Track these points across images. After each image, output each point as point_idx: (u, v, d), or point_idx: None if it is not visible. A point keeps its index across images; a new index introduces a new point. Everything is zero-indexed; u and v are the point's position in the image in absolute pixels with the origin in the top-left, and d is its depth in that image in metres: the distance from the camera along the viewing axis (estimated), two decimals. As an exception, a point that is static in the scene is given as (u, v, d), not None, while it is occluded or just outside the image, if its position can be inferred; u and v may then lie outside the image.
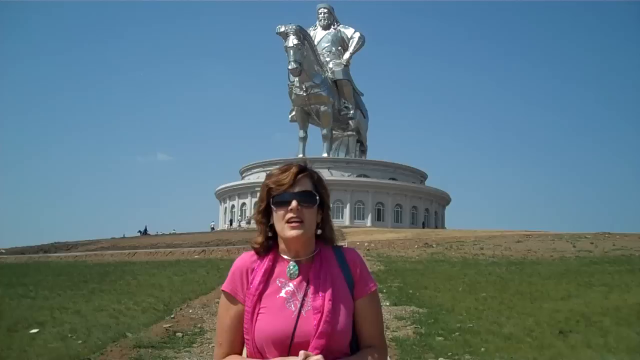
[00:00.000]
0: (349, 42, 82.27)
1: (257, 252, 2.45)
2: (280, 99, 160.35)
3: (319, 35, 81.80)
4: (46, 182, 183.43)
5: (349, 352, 2.35)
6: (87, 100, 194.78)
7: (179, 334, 11.35)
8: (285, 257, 2.41)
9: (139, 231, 77.27)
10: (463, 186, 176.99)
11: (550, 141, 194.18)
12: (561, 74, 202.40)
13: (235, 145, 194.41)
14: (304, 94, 74.50)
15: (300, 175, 2.40)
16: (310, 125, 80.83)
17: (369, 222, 74.71)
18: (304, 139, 79.99)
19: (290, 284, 2.35)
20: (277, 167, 2.51)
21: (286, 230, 2.32)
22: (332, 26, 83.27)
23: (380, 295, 16.98)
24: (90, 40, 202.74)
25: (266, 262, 2.39)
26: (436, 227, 77.21)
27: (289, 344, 2.24)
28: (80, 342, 10.70)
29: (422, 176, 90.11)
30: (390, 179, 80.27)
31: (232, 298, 2.39)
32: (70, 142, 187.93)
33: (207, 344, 10.55)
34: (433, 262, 27.80)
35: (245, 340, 2.35)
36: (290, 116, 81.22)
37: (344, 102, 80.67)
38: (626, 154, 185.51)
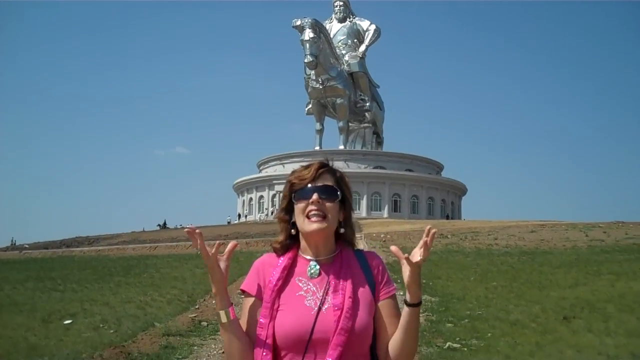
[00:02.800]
0: (364, 34, 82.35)
1: (277, 251, 2.45)
2: (297, 91, 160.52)
3: (334, 28, 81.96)
4: (66, 177, 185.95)
5: (370, 357, 2.34)
6: (106, 94, 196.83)
7: (204, 323, 12.07)
8: (306, 256, 2.41)
9: (158, 225, 78.36)
10: (479, 177, 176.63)
11: (566, 131, 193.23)
12: (577, 68, 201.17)
13: (253, 138, 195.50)
14: (321, 87, 74.78)
15: (321, 170, 2.42)
16: (326, 117, 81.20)
17: (385, 213, 75.03)
18: (320, 132, 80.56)
19: (310, 283, 2.35)
20: (301, 164, 2.53)
21: (306, 224, 2.33)
22: (347, 19, 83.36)
23: (395, 285, 17.65)
24: (109, 34, 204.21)
25: (285, 260, 2.39)
26: (452, 218, 77.42)
27: (308, 340, 2.24)
28: (112, 331, 11.48)
29: (439, 167, 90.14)
30: (406, 170, 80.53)
31: (248, 295, 2.38)
32: (89, 136, 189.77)
33: (230, 332, 11.24)
34: (447, 253, 28.28)
35: (257, 337, 2.29)
36: (306, 109, 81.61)
37: (360, 95, 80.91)
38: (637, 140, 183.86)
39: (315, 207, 2.32)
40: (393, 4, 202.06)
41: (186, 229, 2.26)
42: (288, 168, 79.17)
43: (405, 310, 2.32)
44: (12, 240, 66.28)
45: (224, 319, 2.29)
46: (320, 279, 2.36)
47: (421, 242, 2.28)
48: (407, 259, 2.25)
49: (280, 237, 2.44)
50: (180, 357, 9.17)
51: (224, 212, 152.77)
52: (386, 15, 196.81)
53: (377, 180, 76.66)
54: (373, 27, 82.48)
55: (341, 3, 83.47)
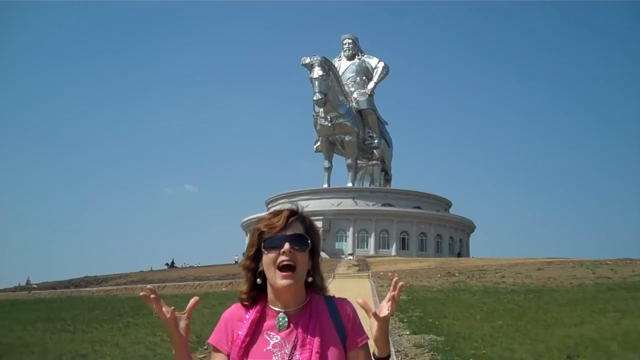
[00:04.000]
0: (373, 71, 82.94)
1: (243, 302, 2.44)
2: (306, 129, 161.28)
3: (343, 65, 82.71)
4: (74, 216, 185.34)
5: None
6: (114, 131, 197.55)
7: (212, 364, 12.25)
8: (274, 308, 2.38)
9: (166, 264, 78.42)
10: (488, 214, 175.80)
11: (573, 169, 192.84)
12: (580, 102, 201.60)
13: (261, 175, 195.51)
14: (329, 125, 75.39)
15: (292, 219, 2.40)
16: (335, 154, 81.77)
17: (393, 251, 74.79)
18: (329, 169, 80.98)
19: (279, 337, 2.32)
20: (269, 212, 2.50)
21: (278, 278, 2.30)
22: (356, 56, 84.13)
23: (400, 324, 17.75)
24: (119, 71, 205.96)
25: (253, 314, 2.36)
26: (460, 256, 77.28)
27: None
28: (122, 372, 11.68)
29: (447, 204, 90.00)
30: (414, 207, 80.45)
31: (216, 350, 2.37)
32: (97, 174, 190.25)
33: (237, 372, 11.46)
34: (454, 291, 28.32)
35: None
36: (315, 147, 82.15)
37: (369, 132, 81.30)
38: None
39: (287, 257, 2.29)
40: (401, 40, 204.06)
41: (141, 293, 2.28)
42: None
43: None
44: (27, 281, 66.66)
45: None
46: (288, 331, 2.33)
47: (388, 296, 2.35)
48: (375, 314, 2.33)
49: (244, 287, 2.44)
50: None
51: (232, 251, 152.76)
52: (395, 53, 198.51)
53: (385, 217, 76.56)
54: (382, 64, 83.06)
55: (350, 41, 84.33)
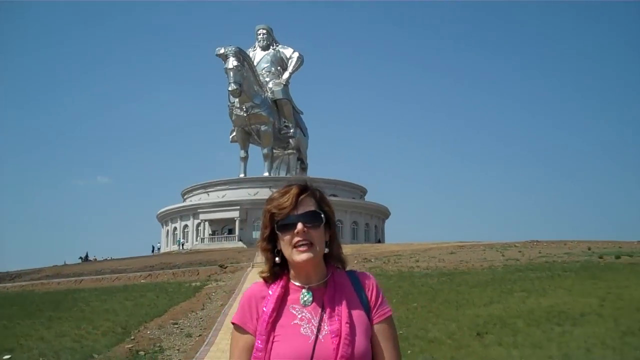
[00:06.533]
0: (287, 62, 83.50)
1: (266, 280, 2.42)
2: (221, 119, 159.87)
3: (258, 55, 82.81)
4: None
5: None
6: (23, 121, 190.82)
7: (142, 353, 12.62)
8: (297, 283, 2.37)
9: (80, 257, 77.00)
10: (402, 200, 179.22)
11: (483, 152, 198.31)
12: (483, 83, 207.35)
13: (177, 166, 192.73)
14: (245, 115, 75.51)
15: (302, 196, 2.36)
16: (251, 144, 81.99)
17: (309, 239, 75.13)
18: (245, 159, 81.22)
19: (305, 311, 2.31)
20: (277, 190, 2.45)
21: (295, 255, 2.28)
22: (271, 47, 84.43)
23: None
24: (29, 58, 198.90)
25: (278, 290, 2.35)
26: (380, 242, 78.67)
27: None
28: (52, 364, 11.87)
29: (362, 191, 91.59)
30: (330, 195, 79.49)
31: (241, 329, 2.35)
32: (6, 165, 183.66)
33: (167, 360, 11.88)
34: (371, 276, 28.92)
35: None
36: (231, 137, 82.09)
37: (284, 121, 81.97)
38: (557, 162, 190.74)
39: (302, 237, 2.27)
40: (316, 32, 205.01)
41: None
42: (213, 196, 79.39)
43: None
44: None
45: None
46: (314, 305, 2.32)
47: None
48: None
49: (266, 267, 2.42)
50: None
51: (148, 243, 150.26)
52: (309, 43, 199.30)
53: (302, 206, 76.62)
54: (296, 54, 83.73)
55: (264, 31, 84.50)
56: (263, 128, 77.03)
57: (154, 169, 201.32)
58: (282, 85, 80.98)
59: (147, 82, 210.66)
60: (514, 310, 15.85)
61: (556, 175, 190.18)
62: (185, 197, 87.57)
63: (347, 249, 48.72)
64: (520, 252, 36.19)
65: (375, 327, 2.34)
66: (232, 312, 19.25)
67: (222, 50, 70.80)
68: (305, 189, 2.40)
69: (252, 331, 2.32)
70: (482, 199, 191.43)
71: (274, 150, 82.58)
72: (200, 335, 14.97)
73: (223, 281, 31.63)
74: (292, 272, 2.38)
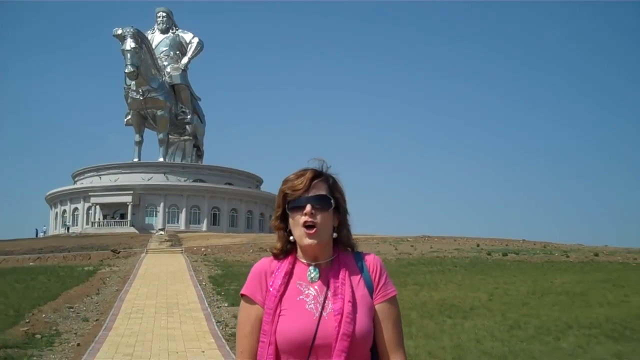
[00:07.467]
0: (187, 47, 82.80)
1: (276, 256, 2.50)
2: (115, 100, 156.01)
3: (157, 38, 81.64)
4: None
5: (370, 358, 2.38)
6: None
7: (38, 336, 12.33)
8: (304, 261, 2.45)
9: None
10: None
11: (379, 147, 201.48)
12: (407, 69, 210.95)
13: (67, 147, 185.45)
14: (141, 98, 74.40)
15: (315, 180, 2.42)
16: (146, 129, 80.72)
17: (204, 226, 75.56)
18: (139, 143, 79.90)
19: (311, 288, 2.38)
20: (294, 172, 2.51)
21: (302, 238, 2.36)
22: (170, 30, 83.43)
23: (218, 297, 18.52)
24: None
25: (286, 265, 2.44)
26: (271, 232, 78.90)
27: (310, 347, 2.26)
28: (-58, 346, 11.43)
29: (258, 181, 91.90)
30: (226, 183, 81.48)
31: (250, 301, 2.42)
32: None
33: (65, 344, 11.67)
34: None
35: (260, 343, 2.37)
36: (125, 120, 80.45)
37: (181, 107, 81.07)
38: (459, 156, 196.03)
39: (309, 218, 2.34)
40: (217, 17, 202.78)
41: None
42: (105, 180, 77.64)
43: None
44: None
45: None
46: (319, 283, 2.39)
47: None
48: None
49: (279, 244, 2.49)
50: (22, 367, 9.53)
51: (31, 225, 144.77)
52: (208, 28, 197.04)
53: (197, 193, 77.09)
54: (196, 40, 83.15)
55: (164, 14, 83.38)
56: (159, 113, 76.11)
57: (43, 150, 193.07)
58: (181, 70, 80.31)
59: (38, 57, 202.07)
60: (407, 303, 16.44)
61: (447, 174, 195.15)
62: (76, 179, 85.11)
63: (242, 238, 49.29)
64: (412, 246, 37.40)
65: (378, 306, 2.36)
66: (128, 297, 19.13)
67: (119, 31, 69.57)
68: (319, 174, 2.45)
69: (260, 303, 2.39)
70: (375, 191, 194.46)
71: (170, 136, 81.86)
72: (97, 320, 14.73)
73: (117, 266, 31.02)
74: (299, 250, 2.45)
